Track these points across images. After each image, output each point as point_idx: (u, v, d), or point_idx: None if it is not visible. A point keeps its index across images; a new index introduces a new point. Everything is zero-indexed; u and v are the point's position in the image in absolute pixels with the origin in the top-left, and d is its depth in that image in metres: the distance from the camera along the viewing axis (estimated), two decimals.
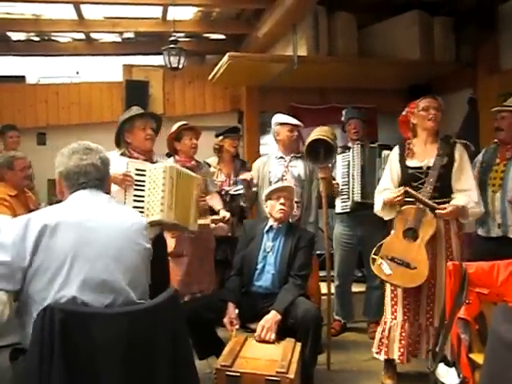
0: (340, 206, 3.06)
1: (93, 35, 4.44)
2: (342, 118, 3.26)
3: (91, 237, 1.32)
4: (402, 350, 2.27)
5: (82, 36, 4.43)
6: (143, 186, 2.14)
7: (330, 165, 2.79)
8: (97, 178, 1.43)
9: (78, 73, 4.70)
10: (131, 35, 4.49)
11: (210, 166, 3.25)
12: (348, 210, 3.03)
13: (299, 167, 2.92)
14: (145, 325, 1.28)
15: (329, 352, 2.61)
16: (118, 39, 4.58)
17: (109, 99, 4.58)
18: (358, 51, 3.93)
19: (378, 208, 2.43)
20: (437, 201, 2.24)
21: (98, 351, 1.21)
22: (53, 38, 4.48)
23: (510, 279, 1.79)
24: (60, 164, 1.43)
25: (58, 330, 1.16)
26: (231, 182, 3.20)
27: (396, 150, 2.46)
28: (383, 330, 2.35)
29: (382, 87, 4.37)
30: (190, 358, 1.45)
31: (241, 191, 3.07)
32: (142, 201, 2.12)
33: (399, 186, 2.36)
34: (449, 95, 4.19)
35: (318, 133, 2.63)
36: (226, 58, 3.53)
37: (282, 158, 2.98)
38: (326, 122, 3.34)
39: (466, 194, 2.27)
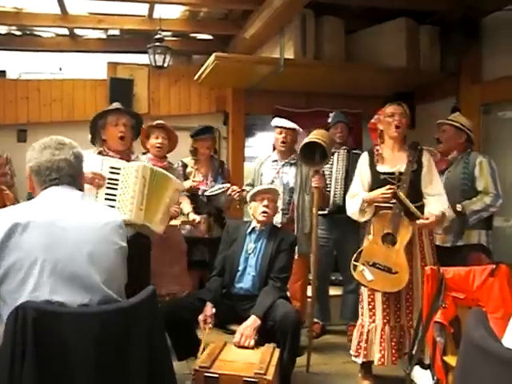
0: None
1: (77, 31, 4.35)
2: (329, 120, 3.28)
3: (64, 236, 1.28)
4: (382, 352, 2.29)
5: (65, 31, 4.34)
6: (116, 184, 2.09)
7: (323, 173, 2.81)
8: (69, 174, 1.39)
9: (60, 69, 4.59)
10: (116, 32, 4.41)
11: (186, 166, 3.21)
12: (326, 212, 3.04)
13: (290, 174, 2.91)
14: (119, 325, 1.25)
15: (309, 354, 2.62)
16: (103, 36, 4.50)
17: (92, 97, 4.49)
18: (345, 56, 3.96)
19: (353, 210, 2.42)
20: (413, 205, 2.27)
21: (71, 351, 1.17)
22: (35, 32, 4.37)
23: (485, 285, 1.83)
24: (31, 159, 1.39)
25: (31, 330, 1.13)
26: (208, 182, 3.16)
27: (365, 155, 2.50)
28: (361, 334, 2.37)
29: (367, 93, 4.41)
30: (167, 359, 1.42)
31: (218, 191, 3.04)
32: (114, 199, 2.06)
33: (370, 191, 2.38)
34: (432, 103, 4.27)
35: (313, 136, 2.64)
36: (212, 58, 3.51)
37: (276, 161, 2.98)
38: (310, 125, 3.35)
39: (438, 199, 2.32)
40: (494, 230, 2.80)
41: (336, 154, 3.10)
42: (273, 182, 2.91)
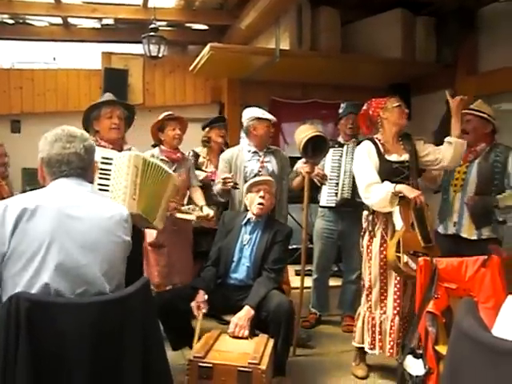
0: (326, 199, 3.06)
1: (70, 20, 4.31)
2: (340, 111, 3.23)
3: (70, 224, 1.30)
4: (391, 343, 2.30)
5: (59, 20, 4.29)
6: (109, 174, 2.07)
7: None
8: (79, 167, 1.40)
9: (54, 59, 4.57)
10: (111, 22, 4.37)
11: (198, 155, 3.21)
12: (333, 205, 3.04)
13: (272, 162, 2.89)
14: (113, 315, 1.26)
15: (295, 345, 2.64)
16: (97, 25, 4.45)
17: (86, 87, 4.46)
18: (341, 47, 3.94)
19: (379, 198, 2.29)
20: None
21: (65, 341, 1.19)
22: (28, 21, 4.32)
23: (477, 275, 1.85)
24: (43, 149, 1.40)
25: (24, 320, 1.14)
26: None
27: (370, 144, 2.44)
28: (373, 326, 2.36)
29: (363, 84, 4.40)
30: (161, 349, 1.43)
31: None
32: (107, 190, 2.05)
33: (381, 180, 2.36)
34: (428, 94, 4.27)
35: (310, 131, 2.65)
36: (207, 48, 3.48)
37: (255, 152, 2.85)
38: (307, 117, 3.34)
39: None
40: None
41: (345, 147, 3.07)
42: (259, 172, 2.85)
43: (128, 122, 2.39)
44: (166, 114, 2.92)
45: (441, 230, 2.70)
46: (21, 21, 4.30)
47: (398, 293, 2.32)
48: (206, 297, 2.26)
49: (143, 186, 2.10)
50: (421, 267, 1.90)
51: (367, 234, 2.44)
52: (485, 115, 2.63)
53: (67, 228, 1.29)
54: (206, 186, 3.08)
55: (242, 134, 3.12)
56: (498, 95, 3.64)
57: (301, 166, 2.83)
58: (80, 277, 1.28)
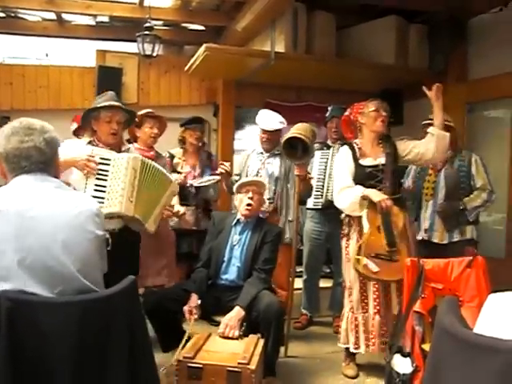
0: (312, 201, 3.10)
1: (64, 16, 4.27)
2: (326, 114, 3.29)
3: (34, 226, 1.24)
4: (373, 340, 2.35)
5: (52, 16, 4.25)
6: (106, 175, 2.05)
7: (306, 163, 2.79)
8: (40, 162, 1.31)
9: (47, 55, 4.51)
10: (106, 19, 4.35)
11: (173, 157, 3.18)
12: (319, 207, 3.08)
13: (274, 165, 2.93)
14: (98, 314, 1.23)
15: (287, 343, 2.67)
16: (92, 22, 4.43)
17: (80, 85, 4.42)
18: (336, 52, 3.98)
19: (349, 202, 2.37)
20: (392, 197, 2.34)
21: (47, 342, 1.15)
22: (20, 15, 4.26)
23: (462, 276, 1.90)
24: (0, 144, 1.32)
25: (5, 320, 1.10)
26: (196, 173, 3.16)
27: (347, 149, 2.51)
28: (356, 326, 2.41)
29: (356, 89, 4.43)
30: (149, 350, 1.41)
31: (207, 183, 3.04)
32: (104, 191, 2.03)
33: (356, 184, 2.42)
34: (420, 100, 4.31)
35: (295, 130, 2.64)
36: (202, 48, 3.49)
37: (261, 153, 3.00)
38: (301, 119, 3.36)
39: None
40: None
41: (331, 149, 3.12)
42: (258, 172, 2.92)
43: (127, 123, 2.35)
44: (147, 110, 2.91)
45: None
46: (13, 14, 4.23)
47: (376, 292, 2.37)
48: (199, 301, 2.26)
49: (141, 189, 2.08)
50: (408, 268, 1.94)
51: (345, 236, 2.50)
52: (450, 123, 2.74)
53: (31, 231, 1.23)
54: (181, 187, 3.04)
55: (239, 135, 3.21)
56: (487, 102, 3.71)
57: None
58: (54, 277, 1.23)
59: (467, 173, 2.75)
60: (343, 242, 2.51)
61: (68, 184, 1.99)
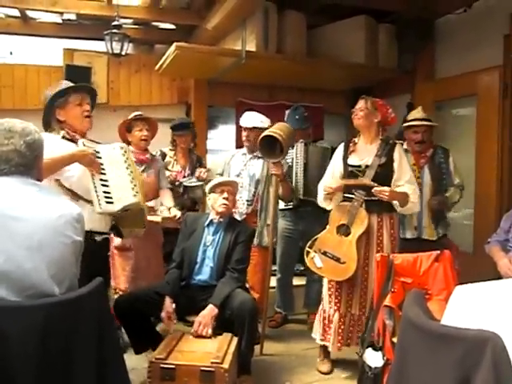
0: (283, 202, 3.12)
1: (29, 13, 4.14)
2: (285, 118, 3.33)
3: (12, 226, 1.22)
4: (329, 337, 2.41)
5: (16, 13, 4.11)
6: (104, 169, 1.94)
7: (281, 162, 2.80)
8: (21, 165, 1.31)
9: (11, 53, 4.35)
10: (73, 17, 4.24)
11: (165, 155, 3.18)
12: (291, 206, 3.09)
13: (256, 166, 2.96)
14: (62, 318, 1.20)
15: (262, 342, 2.70)
16: (59, 20, 4.30)
17: (47, 84, 4.24)
18: (307, 51, 4.01)
19: (319, 199, 2.54)
20: (372, 198, 2.34)
21: (8, 347, 1.11)
22: None
23: (431, 270, 1.95)
24: None
25: None
26: (186, 174, 3.15)
27: (341, 147, 2.57)
28: (324, 319, 2.45)
29: (328, 88, 4.50)
30: (118, 352, 1.39)
31: (197, 183, 3.05)
32: (107, 185, 1.93)
33: None
34: (389, 99, 4.39)
35: (271, 129, 2.67)
36: (172, 48, 3.45)
37: (244, 154, 3.02)
38: (274, 118, 3.38)
39: (406, 186, 2.39)
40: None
41: (295, 148, 3.14)
42: (240, 173, 2.94)
43: (92, 107, 2.18)
44: (135, 114, 2.88)
45: (401, 234, 2.80)
46: None
47: (339, 290, 2.41)
48: (174, 305, 2.23)
49: (136, 177, 2.03)
50: (378, 263, 1.97)
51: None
52: (433, 123, 2.82)
53: (9, 230, 1.21)
54: (172, 187, 3.05)
55: (211, 134, 3.20)
56: (454, 100, 3.82)
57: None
58: (25, 281, 1.21)
59: (447, 170, 2.83)
60: None
61: (63, 185, 1.90)
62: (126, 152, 2.01)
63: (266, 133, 2.64)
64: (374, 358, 1.86)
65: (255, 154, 2.98)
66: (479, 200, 3.43)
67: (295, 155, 3.11)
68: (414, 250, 2.38)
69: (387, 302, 1.87)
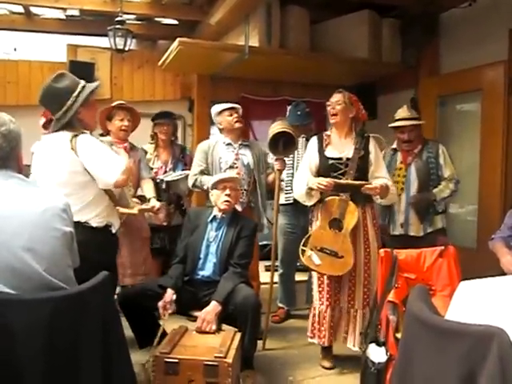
0: (284, 197, 3.12)
1: (33, 9, 4.14)
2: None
3: None
4: (324, 332, 2.42)
5: (20, 9, 4.11)
6: None
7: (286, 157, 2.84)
8: None
9: (15, 49, 4.35)
10: (76, 13, 4.24)
11: (146, 152, 3.14)
12: (291, 202, 3.09)
13: (248, 156, 2.93)
14: (68, 312, 1.20)
15: (265, 337, 2.70)
16: (62, 16, 4.30)
17: None
18: (310, 46, 3.99)
19: (299, 193, 2.49)
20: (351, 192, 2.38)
21: (16, 342, 1.12)
22: None
23: (435, 265, 1.94)
24: None
25: None
26: (167, 169, 3.12)
27: (314, 140, 2.58)
28: (314, 316, 2.47)
29: (331, 83, 4.45)
30: (123, 346, 1.39)
31: (178, 177, 3.00)
32: None
33: (318, 175, 2.47)
34: (393, 94, 4.39)
35: (280, 125, 2.69)
36: (175, 43, 3.44)
37: (230, 144, 2.91)
38: (277, 114, 3.38)
39: (383, 180, 2.45)
40: (449, 215, 2.98)
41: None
42: (234, 164, 2.89)
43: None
44: (117, 102, 2.83)
45: (390, 231, 2.86)
46: None
47: (330, 285, 2.41)
48: (175, 297, 2.24)
49: None
50: (381, 258, 1.97)
51: (309, 225, 2.57)
52: (420, 121, 2.81)
53: None
54: (154, 183, 3.02)
55: (215, 130, 3.16)
56: (458, 96, 3.80)
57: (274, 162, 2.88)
58: (18, 278, 1.21)
59: (436, 164, 2.81)
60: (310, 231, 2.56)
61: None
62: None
63: (280, 129, 2.64)
64: (377, 354, 1.86)
65: (241, 142, 2.91)
66: (483, 196, 3.42)
67: (297, 150, 3.11)
68: (400, 247, 2.38)
69: (391, 297, 1.87)
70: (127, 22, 4.01)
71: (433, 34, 3.93)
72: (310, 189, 2.41)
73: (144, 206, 2.65)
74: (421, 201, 2.78)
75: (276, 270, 3.14)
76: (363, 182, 2.35)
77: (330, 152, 2.47)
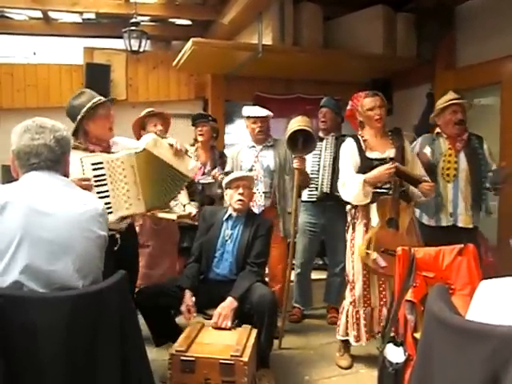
0: (307, 194, 3.09)
1: (51, 14, 4.23)
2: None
3: (41, 221, 1.27)
4: (360, 331, 2.38)
5: (39, 14, 4.21)
6: (104, 179, 1.97)
7: (305, 155, 2.78)
8: (50, 159, 1.36)
9: (34, 53, 4.46)
10: (92, 16, 4.31)
11: (187, 151, 3.20)
12: (314, 200, 3.07)
13: (269, 157, 2.92)
14: (87, 310, 1.24)
15: (281, 336, 2.69)
16: (79, 20, 4.39)
17: (68, 82, 4.39)
18: (324, 43, 3.96)
19: (354, 193, 2.34)
20: (403, 189, 2.35)
21: (37, 338, 1.16)
22: (6, 14, 4.23)
23: (454, 264, 1.89)
24: (13, 142, 1.38)
25: None
26: (206, 170, 3.16)
27: (352, 142, 2.48)
28: (358, 319, 2.40)
29: (345, 79, 4.43)
30: (141, 344, 1.42)
31: (212, 180, 3.05)
32: (108, 196, 1.97)
33: None
34: (409, 89, 4.33)
35: (298, 123, 2.64)
36: (189, 43, 3.46)
37: (253, 147, 2.97)
38: (291, 112, 3.36)
39: (427, 178, 2.41)
40: None
41: (324, 141, 3.10)
42: (253, 166, 2.91)
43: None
44: (147, 110, 2.90)
45: (433, 222, 2.71)
46: None
47: (383, 285, 2.37)
48: (194, 298, 2.26)
49: (145, 183, 2.06)
50: (399, 257, 1.94)
51: (350, 227, 2.47)
52: (465, 103, 2.70)
53: (38, 224, 1.26)
54: (189, 184, 3.05)
55: (230, 129, 3.18)
56: (476, 89, 3.71)
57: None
58: (51, 274, 1.25)
59: (483, 155, 2.68)
60: (348, 234, 2.48)
61: None
62: (123, 163, 2.01)
63: (298, 126, 2.60)
64: (395, 354, 1.84)
65: (264, 144, 2.93)
66: (504, 192, 3.33)
67: (324, 148, 3.07)
68: (447, 238, 2.25)
69: (409, 296, 1.84)
70: (141, 23, 4.07)
71: (449, 27, 3.85)
72: (368, 183, 2.30)
73: (182, 213, 2.68)
74: (501, 178, 2.59)
75: (293, 269, 3.13)
76: (421, 176, 2.31)
77: (371, 153, 2.40)
